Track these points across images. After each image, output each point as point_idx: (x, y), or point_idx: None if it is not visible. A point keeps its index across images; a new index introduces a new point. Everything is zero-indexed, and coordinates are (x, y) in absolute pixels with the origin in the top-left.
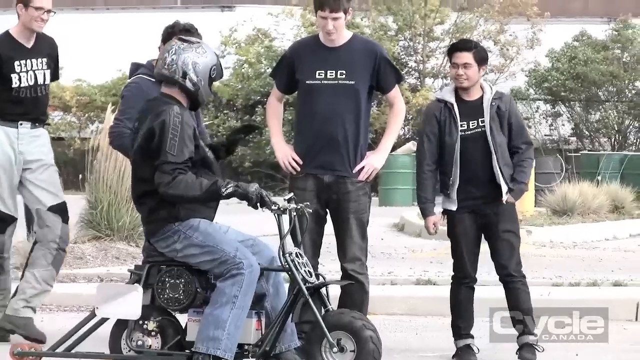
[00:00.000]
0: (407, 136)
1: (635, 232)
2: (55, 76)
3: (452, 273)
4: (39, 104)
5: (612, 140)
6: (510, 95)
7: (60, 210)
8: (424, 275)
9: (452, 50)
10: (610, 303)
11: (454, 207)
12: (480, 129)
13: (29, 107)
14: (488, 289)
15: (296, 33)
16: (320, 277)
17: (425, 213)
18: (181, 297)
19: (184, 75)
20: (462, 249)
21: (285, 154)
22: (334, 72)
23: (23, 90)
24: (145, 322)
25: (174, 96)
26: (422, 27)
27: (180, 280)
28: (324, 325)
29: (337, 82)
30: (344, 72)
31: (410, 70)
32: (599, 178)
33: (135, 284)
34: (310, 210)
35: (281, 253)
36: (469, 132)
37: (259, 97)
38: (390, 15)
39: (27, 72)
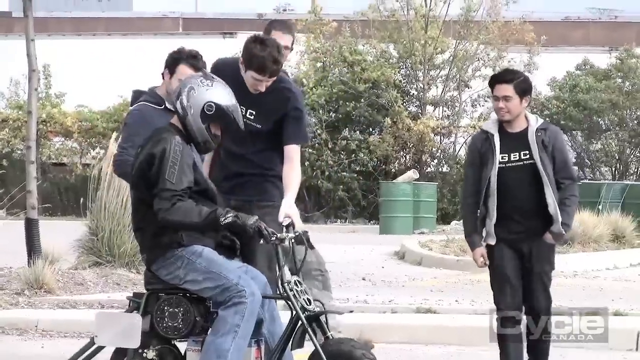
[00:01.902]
0: (408, 164)
1: (635, 261)
2: None
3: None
4: None
5: (613, 169)
6: (557, 129)
7: (300, 240)
8: (424, 304)
9: (492, 81)
10: (610, 332)
11: (493, 242)
12: (522, 162)
13: None
14: None
15: (299, 60)
16: (320, 305)
17: (470, 246)
18: (180, 325)
19: (178, 95)
20: (499, 282)
21: None
22: (244, 110)
23: None
24: (145, 350)
25: (178, 127)
26: (422, 55)
27: (179, 308)
28: (323, 354)
29: (246, 121)
30: (254, 112)
31: (412, 98)
32: (600, 207)
33: (134, 312)
34: (309, 235)
35: (280, 282)
36: (510, 164)
37: None
38: (391, 42)
39: None
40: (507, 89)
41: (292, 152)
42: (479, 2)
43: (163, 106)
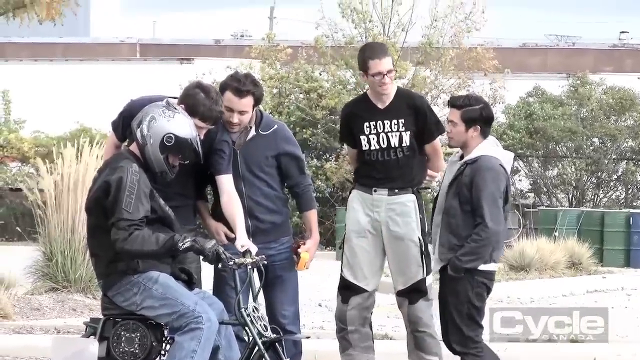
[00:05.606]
0: None
1: (592, 288)
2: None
3: None
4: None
5: (570, 196)
6: (485, 164)
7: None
8: (380, 330)
9: (448, 104)
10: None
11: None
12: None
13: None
14: None
15: None
16: (276, 332)
17: None
18: (137, 350)
19: (139, 124)
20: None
21: None
22: None
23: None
24: None
25: (136, 154)
26: None
27: (136, 333)
28: None
29: None
30: None
31: None
32: (557, 234)
33: (91, 337)
34: (266, 263)
35: (237, 307)
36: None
37: None
38: (348, 69)
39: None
40: (454, 114)
41: (227, 184)
42: (441, 33)
43: None
